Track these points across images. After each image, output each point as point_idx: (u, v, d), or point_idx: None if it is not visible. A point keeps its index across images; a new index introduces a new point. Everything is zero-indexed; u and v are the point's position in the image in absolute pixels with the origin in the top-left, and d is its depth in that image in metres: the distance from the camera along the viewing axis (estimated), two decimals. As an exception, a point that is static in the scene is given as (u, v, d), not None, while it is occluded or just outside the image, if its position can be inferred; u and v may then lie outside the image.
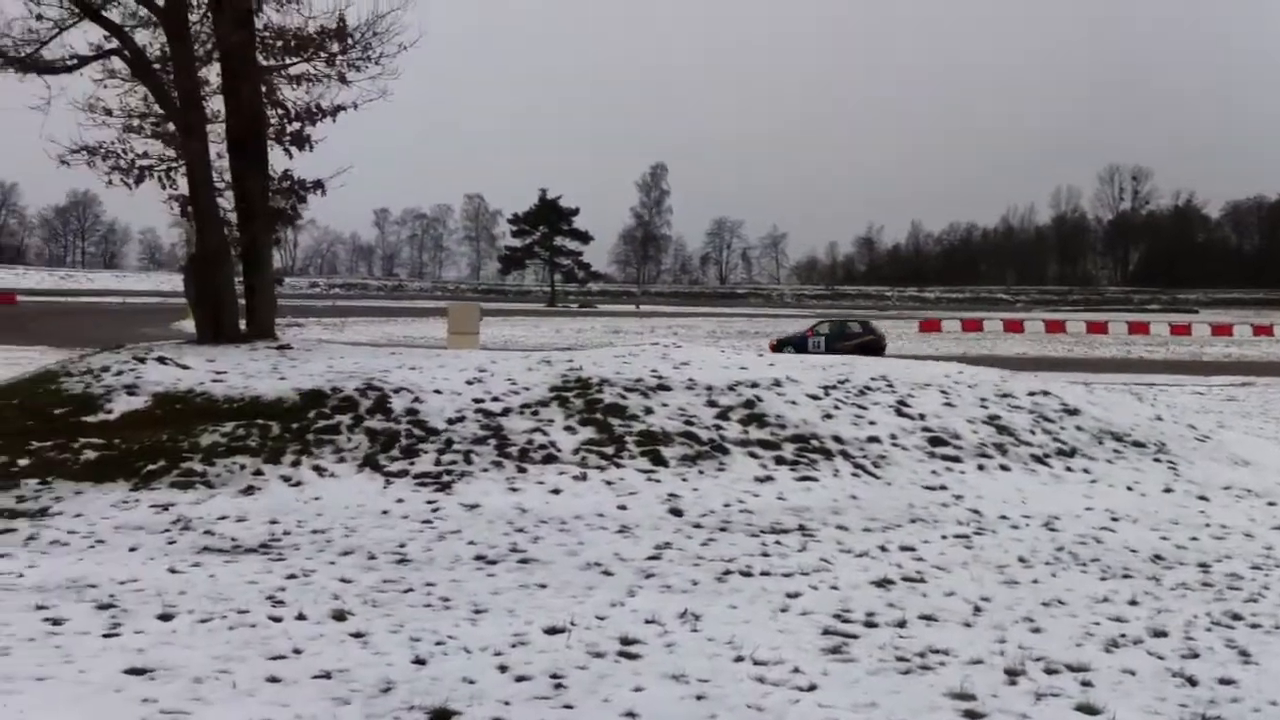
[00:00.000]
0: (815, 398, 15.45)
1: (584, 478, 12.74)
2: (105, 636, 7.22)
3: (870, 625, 7.93)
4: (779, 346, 39.47)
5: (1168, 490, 13.45)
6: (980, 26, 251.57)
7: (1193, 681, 6.87)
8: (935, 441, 14.46)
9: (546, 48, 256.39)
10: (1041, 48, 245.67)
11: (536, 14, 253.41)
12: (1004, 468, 13.89)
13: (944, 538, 10.83)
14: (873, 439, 14.35)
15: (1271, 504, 13.00)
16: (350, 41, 19.60)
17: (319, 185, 20.30)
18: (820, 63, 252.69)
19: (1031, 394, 16.63)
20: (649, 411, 14.64)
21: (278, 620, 7.65)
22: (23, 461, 12.76)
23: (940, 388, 16.35)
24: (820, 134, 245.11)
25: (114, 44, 18.96)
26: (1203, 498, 13.16)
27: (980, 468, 13.81)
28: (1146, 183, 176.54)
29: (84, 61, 18.91)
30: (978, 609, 8.40)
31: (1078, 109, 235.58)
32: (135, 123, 19.70)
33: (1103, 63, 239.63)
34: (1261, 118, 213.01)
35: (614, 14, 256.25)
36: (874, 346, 38.07)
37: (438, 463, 13.04)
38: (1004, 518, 11.83)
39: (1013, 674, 6.93)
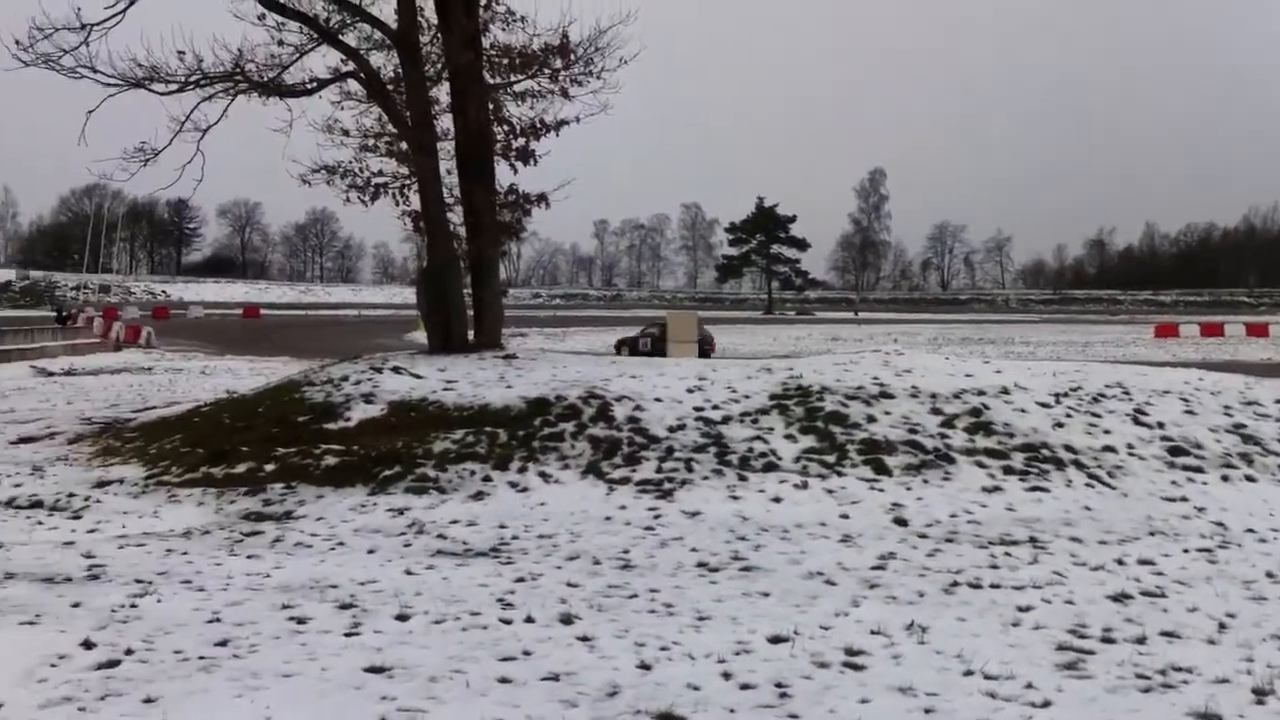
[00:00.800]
0: (1045, 405, 14.96)
1: (805, 486, 12.67)
2: (346, 635, 7.54)
3: (1107, 641, 7.62)
4: (618, 347, 40.66)
5: None
6: (1217, 15, 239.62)
7: None
8: (1175, 451, 13.80)
9: (759, 53, 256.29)
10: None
11: (749, 21, 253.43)
12: (1250, 479, 13.16)
13: (1185, 551, 10.32)
14: (1107, 448, 13.80)
15: None
16: (573, 57, 20.07)
17: (543, 198, 20.81)
18: (1045, 55, 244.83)
19: (1279, 401, 15.72)
20: (871, 419, 14.45)
21: (508, 622, 7.86)
22: (269, 467, 13.48)
23: (1180, 395, 15.62)
24: (1047, 132, 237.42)
25: (350, 67, 19.89)
26: None
27: (1224, 478, 13.12)
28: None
29: (323, 84, 19.90)
30: (1222, 626, 7.98)
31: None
32: (370, 142, 20.65)
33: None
34: None
35: (830, 15, 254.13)
36: (700, 349, 37.97)
37: (659, 470, 13.17)
38: (1250, 531, 11.20)
39: (1261, 694, 6.56)
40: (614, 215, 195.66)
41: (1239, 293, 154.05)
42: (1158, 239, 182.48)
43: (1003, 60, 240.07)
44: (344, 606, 8.25)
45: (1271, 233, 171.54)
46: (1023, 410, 14.76)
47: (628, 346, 41.07)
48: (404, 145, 19.99)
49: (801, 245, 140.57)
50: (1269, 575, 9.51)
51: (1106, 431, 14.24)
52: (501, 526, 11.23)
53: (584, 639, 7.51)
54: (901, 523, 11.44)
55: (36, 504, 12.65)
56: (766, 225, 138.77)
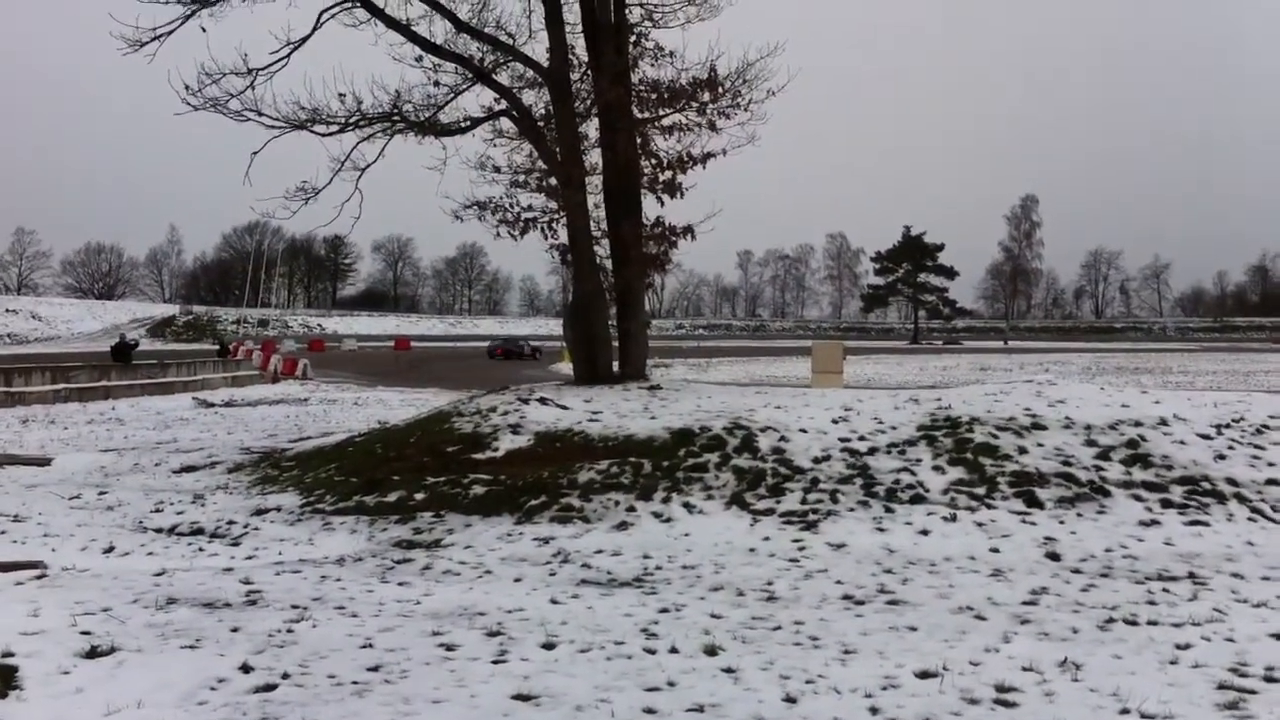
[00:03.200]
0: (1206, 437, 14.47)
1: (953, 519, 12.45)
2: (494, 663, 7.65)
3: (1271, 681, 7.30)
4: (490, 354, 41.48)
5: None
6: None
7: None
8: (1347, 485, 13.22)
9: (905, 80, 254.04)
10: None
11: (893, 48, 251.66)
12: None
13: (1358, 590, 9.87)
14: (1272, 481, 13.27)
15: None
16: (721, 90, 20.14)
17: (689, 230, 20.90)
18: (1205, 76, 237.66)
19: None
20: (1022, 451, 14.15)
21: (652, 652, 7.88)
22: (419, 496, 13.79)
23: (1353, 426, 14.96)
24: (1207, 154, 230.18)
25: (503, 105, 20.35)
26: None
27: (1401, 514, 12.52)
28: None
29: (476, 123, 20.39)
30: (1397, 668, 7.60)
31: None
32: (521, 178, 21.04)
33: None
34: None
35: (972, 47, 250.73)
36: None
37: (803, 501, 13.09)
38: None
39: None
40: (758, 245, 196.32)
41: None
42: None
43: (1152, 89, 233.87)
44: (491, 634, 8.38)
45: None
46: (1182, 442, 14.29)
47: (489, 354, 41.63)
48: (553, 180, 20.30)
49: (949, 274, 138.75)
50: None
51: (1271, 464, 13.71)
52: (645, 556, 11.28)
53: (728, 670, 7.48)
54: (1054, 557, 11.15)
55: (198, 531, 13.16)
56: (913, 254, 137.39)
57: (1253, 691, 7.09)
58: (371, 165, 20.00)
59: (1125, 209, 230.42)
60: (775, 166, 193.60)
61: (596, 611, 9.12)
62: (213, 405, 33.29)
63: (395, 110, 19.63)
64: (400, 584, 10.22)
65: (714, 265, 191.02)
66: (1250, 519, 12.37)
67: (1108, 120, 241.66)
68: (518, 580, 10.41)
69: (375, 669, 7.45)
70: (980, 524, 12.28)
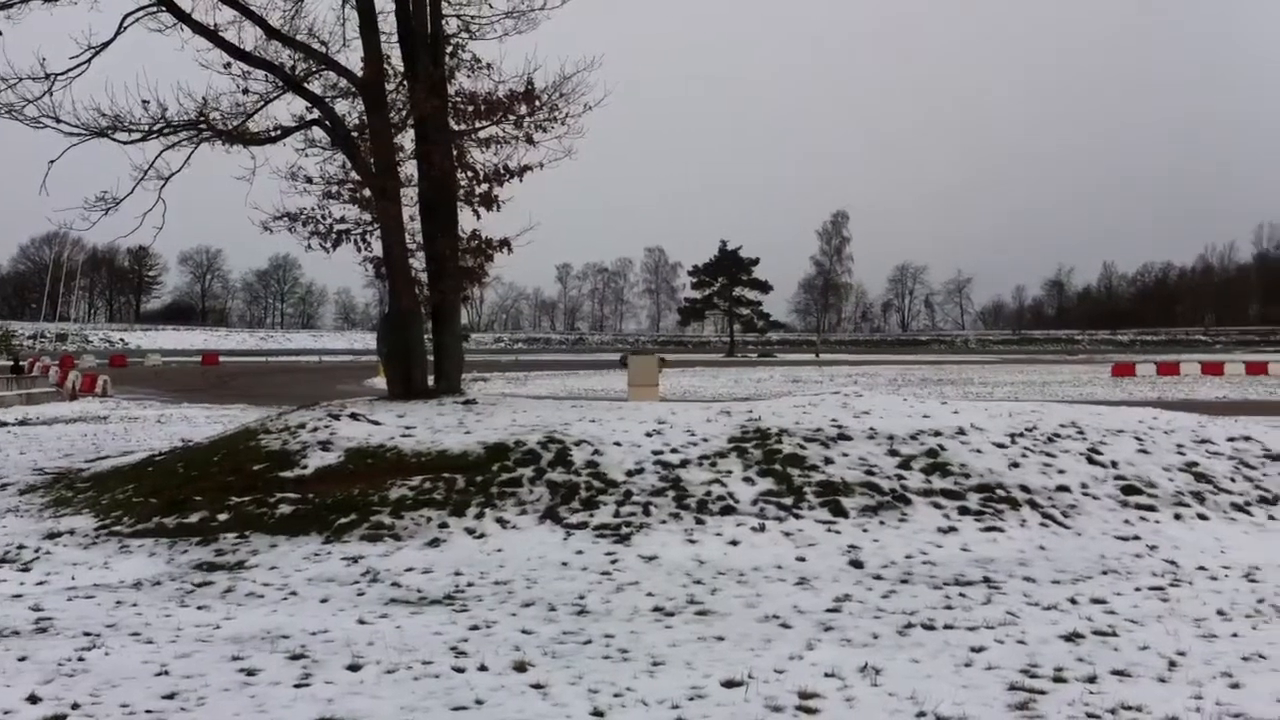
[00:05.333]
0: (1001, 446, 15.08)
1: (762, 529, 12.69)
2: (296, 687, 7.47)
3: (1059, 680, 7.65)
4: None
5: (1383, 540, 12.67)
6: (1173, 63, 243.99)
7: None
8: (1128, 490, 13.94)
9: (725, 98, 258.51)
10: (1240, 82, 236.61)
11: (716, 65, 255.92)
12: (1202, 517, 13.31)
13: (1137, 590, 10.40)
14: (1062, 488, 13.92)
15: None
16: (538, 104, 20.12)
17: (506, 244, 20.80)
18: (1006, 108, 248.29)
19: (1232, 439, 15.92)
20: (829, 461, 14.51)
21: (461, 671, 7.81)
22: (222, 516, 13.39)
23: (1134, 434, 15.79)
24: (1007, 176, 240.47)
25: (315, 115, 19.94)
26: None
27: (1177, 517, 13.26)
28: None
29: (287, 132, 19.92)
30: (1173, 664, 8.02)
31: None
32: (334, 189, 20.62)
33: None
34: None
35: (793, 63, 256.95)
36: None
37: (617, 514, 13.17)
38: (1202, 569, 11.30)
39: (1211, 733, 6.62)
40: (577, 259, 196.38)
41: (1195, 331, 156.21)
42: (1115, 279, 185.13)
43: (963, 106, 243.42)
44: (295, 657, 8.18)
45: (1229, 272, 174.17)
46: (979, 451, 14.86)
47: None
48: (367, 192, 19.97)
49: (764, 287, 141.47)
50: (1220, 613, 9.58)
51: (1061, 471, 14.37)
52: (457, 573, 11.18)
53: (537, 687, 7.47)
54: (857, 565, 11.47)
55: (-14, 556, 12.50)
56: (729, 268, 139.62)
57: (1042, 692, 7.40)
58: (176, 174, 19.39)
59: (931, 225, 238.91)
60: (594, 180, 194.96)
61: (405, 631, 8.99)
62: (5, 424, 31.70)
63: (202, 118, 19.05)
64: (200, 608, 9.91)
65: (533, 279, 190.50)
66: (1042, 524, 12.94)
67: (914, 139, 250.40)
68: (324, 601, 10.20)
69: (171, 696, 7.21)
70: (788, 534, 12.54)
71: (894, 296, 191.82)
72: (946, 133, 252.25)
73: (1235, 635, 8.87)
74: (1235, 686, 7.49)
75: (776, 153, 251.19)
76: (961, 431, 15.50)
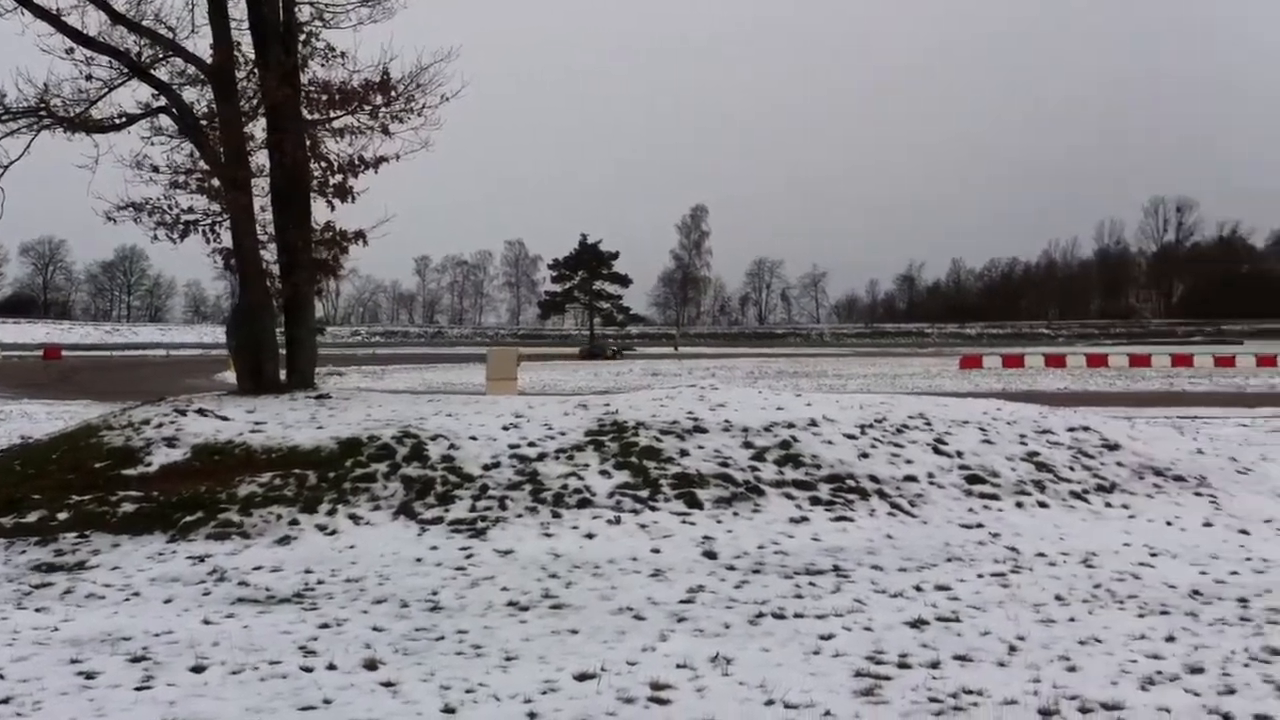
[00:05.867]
0: (851, 437, 15.38)
1: (618, 521, 12.74)
2: (138, 690, 7.27)
3: (904, 666, 7.85)
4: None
5: (1207, 524, 13.25)
6: (1018, 64, 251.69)
7: (1228, 718, 6.75)
8: (973, 479, 14.35)
9: (585, 91, 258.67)
10: (1082, 83, 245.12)
11: (575, 58, 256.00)
12: (1042, 505, 13.77)
13: (980, 576, 10.72)
14: (909, 478, 14.26)
15: (1316, 537, 12.78)
16: (394, 94, 19.83)
17: (361, 236, 20.46)
18: (860, 104, 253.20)
19: (1071, 429, 16.49)
20: (684, 454, 14.63)
21: (309, 670, 7.68)
22: (62, 515, 12.93)
23: (978, 425, 16.24)
24: (861, 172, 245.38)
25: (162, 102, 19.35)
26: (1243, 531, 12.93)
27: (1018, 505, 13.70)
28: (1191, 214, 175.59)
29: (132, 120, 19.30)
30: (1013, 648, 8.30)
31: (1122, 141, 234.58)
32: (181, 178, 20.02)
33: (1144, 96, 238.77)
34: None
35: (656, 58, 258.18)
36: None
37: (473, 509, 13.08)
38: (1041, 555, 11.69)
39: (1047, 714, 6.85)
40: (436, 252, 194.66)
41: (1039, 325, 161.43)
42: (964, 274, 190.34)
43: (817, 101, 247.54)
44: (136, 659, 7.96)
45: (1071, 268, 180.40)
46: (830, 442, 15.14)
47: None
48: (216, 181, 19.44)
49: (624, 281, 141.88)
50: (1058, 598, 9.92)
51: (909, 461, 14.72)
52: (307, 571, 10.97)
53: (388, 685, 7.39)
54: (711, 556, 11.59)
55: None
56: (589, 262, 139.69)
57: (888, 678, 7.58)
58: (15, 162, 18.63)
59: (788, 220, 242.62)
60: (453, 172, 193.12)
61: (252, 630, 8.81)
62: None
63: (42, 104, 18.33)
64: (38, 610, 9.56)
65: (391, 271, 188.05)
66: (890, 513, 13.24)
67: (770, 133, 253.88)
68: (168, 601, 9.92)
69: (6, 701, 6.98)
70: (643, 526, 12.61)
71: (752, 290, 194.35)
72: (802, 128, 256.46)
73: (1072, 620, 9.19)
74: (1072, 670, 7.77)
75: (636, 146, 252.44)
76: (814, 423, 15.76)
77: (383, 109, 20.01)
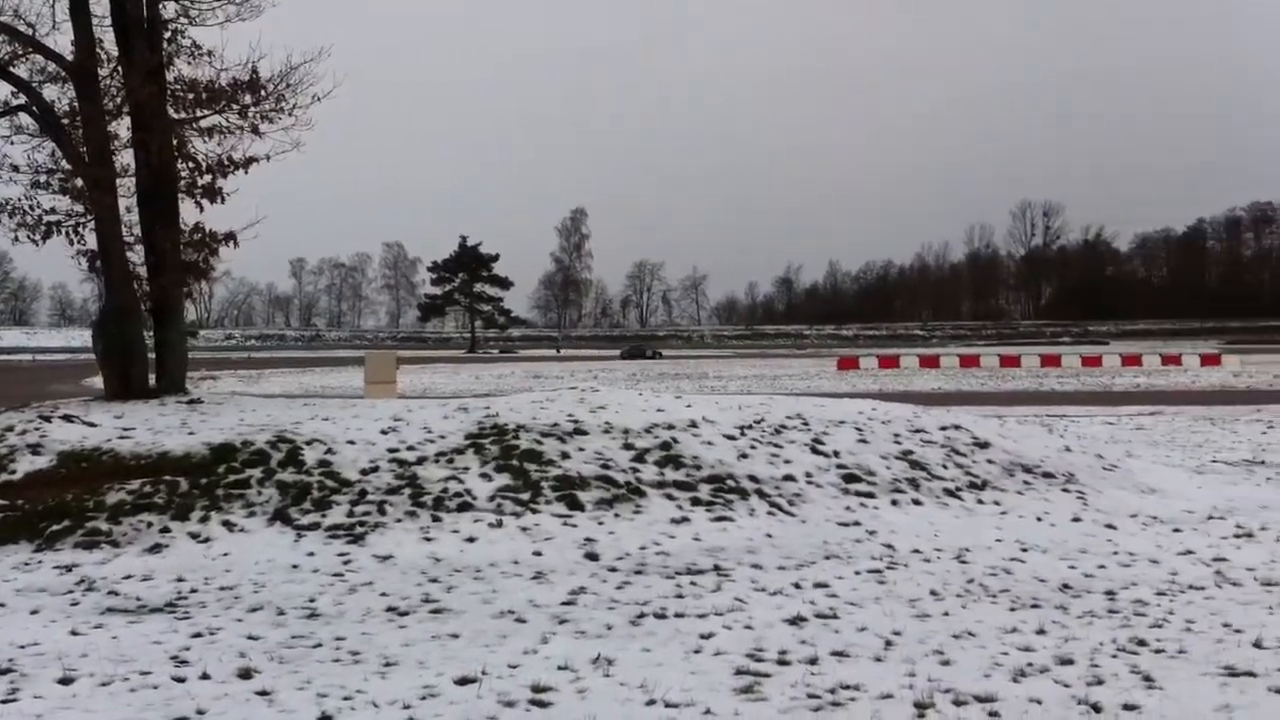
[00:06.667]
0: (731, 438, 15.50)
1: (499, 525, 12.67)
2: (2, 703, 7.02)
3: (783, 663, 7.93)
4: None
5: (1076, 519, 13.65)
6: (890, 72, 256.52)
7: (1097, 708, 6.94)
8: (850, 478, 14.57)
9: (465, 93, 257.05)
10: (960, 90, 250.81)
11: (456, 60, 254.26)
12: (917, 502, 14.04)
13: (857, 573, 10.89)
14: (788, 477, 14.42)
15: (1177, 530, 13.22)
16: (263, 93, 19.45)
17: (231, 237, 20.04)
18: (736, 108, 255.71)
19: (944, 428, 16.84)
20: (565, 456, 14.60)
21: (181, 680, 7.49)
22: (-81, 527, 12.43)
23: (855, 425, 16.49)
24: (739, 176, 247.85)
25: (21, 100, 18.77)
26: (1110, 526, 13.36)
27: (894, 503, 13.94)
28: (1057, 218, 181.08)
29: (-11, 119, 18.67)
30: (889, 643, 8.44)
31: (991, 147, 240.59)
32: (43, 178, 19.46)
33: (1014, 101, 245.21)
34: (1167, 152, 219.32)
35: (538, 62, 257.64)
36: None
37: (350, 514, 12.90)
38: (916, 551, 11.93)
39: (922, 707, 6.96)
40: (313, 254, 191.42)
41: (913, 326, 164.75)
42: (840, 277, 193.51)
43: (698, 106, 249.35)
44: (1, 672, 7.68)
45: (943, 270, 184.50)
46: (710, 443, 15.24)
47: None
48: (80, 182, 18.89)
49: (504, 284, 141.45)
50: (932, 593, 10.12)
51: (787, 461, 14.89)
52: (179, 580, 10.70)
53: (263, 693, 7.24)
54: (593, 557, 11.60)
55: None
56: (469, 264, 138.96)
57: (767, 675, 7.65)
58: None
59: (668, 223, 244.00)
60: (330, 173, 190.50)
61: (122, 641, 8.56)
62: None
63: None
64: (-107, 626, 9.18)
65: (266, 273, 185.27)
66: (770, 513, 13.37)
67: (650, 136, 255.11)
68: (35, 612, 9.59)
69: None
70: (525, 528, 12.56)
71: (633, 293, 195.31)
72: (683, 133, 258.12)
73: (946, 614, 9.38)
74: (946, 663, 7.92)
75: (517, 149, 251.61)
76: (694, 424, 15.85)
77: (252, 108, 19.63)
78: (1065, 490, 14.99)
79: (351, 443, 14.82)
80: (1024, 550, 12.04)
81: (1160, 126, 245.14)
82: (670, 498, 13.64)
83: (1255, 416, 30.37)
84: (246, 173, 19.85)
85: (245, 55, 19.43)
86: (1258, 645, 8.38)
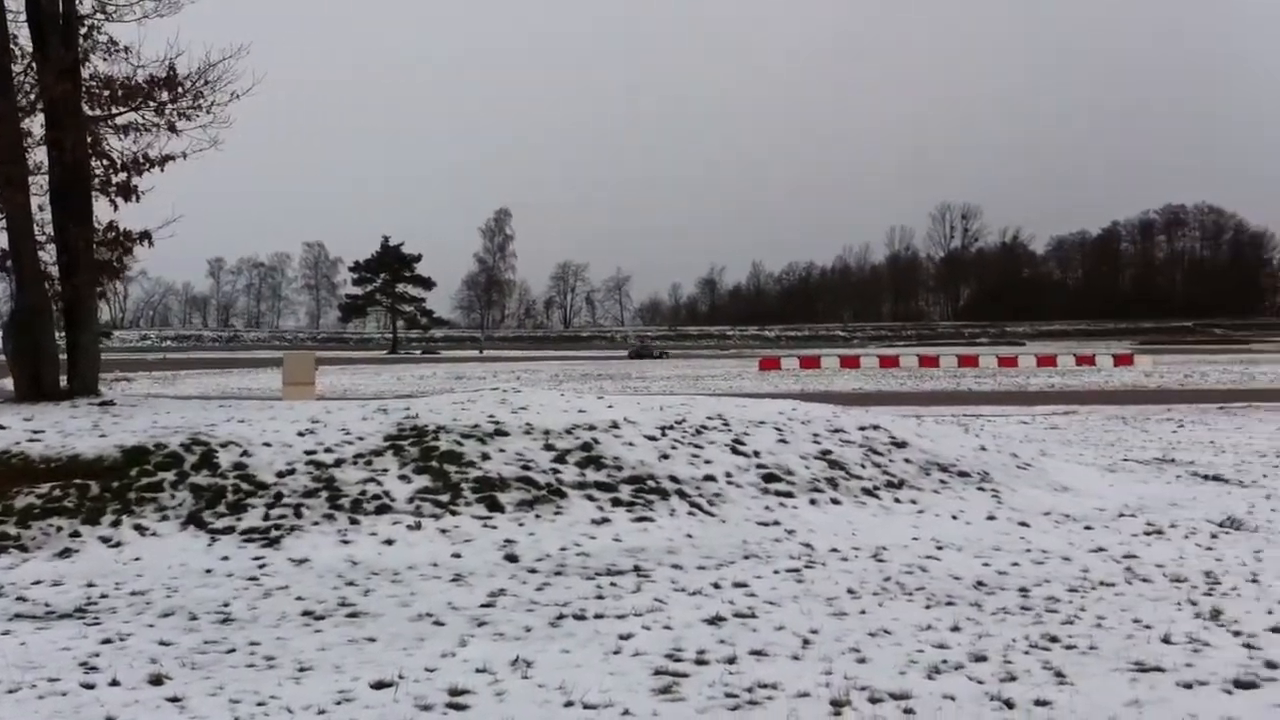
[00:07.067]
0: (652, 439, 15.53)
1: (418, 527, 12.58)
2: (-98, 713, 6.86)
3: (701, 663, 7.96)
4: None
5: (991, 518, 13.86)
6: (807, 75, 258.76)
7: (1010, 704, 7.05)
8: (769, 478, 14.66)
9: (388, 93, 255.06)
10: (876, 95, 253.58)
11: (379, 60, 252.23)
12: (835, 501, 14.16)
13: (776, 573, 10.96)
14: (709, 478, 14.48)
15: (1089, 528, 13.46)
16: (180, 90, 19.16)
17: (146, 236, 19.71)
18: (661, 108, 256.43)
19: (862, 428, 17.00)
20: (486, 457, 14.53)
21: (90, 687, 7.34)
22: None
23: (775, 425, 16.59)
24: (664, 178, 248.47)
25: (-68, 96, 18.27)
26: (1024, 524, 13.58)
27: (813, 502, 14.05)
28: (976, 220, 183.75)
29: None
30: (806, 642, 8.51)
31: (912, 151, 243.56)
32: (-49, 177, 18.95)
33: (933, 104, 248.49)
34: (1082, 156, 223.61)
35: (462, 64, 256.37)
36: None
37: (266, 517, 12.73)
38: (834, 550, 12.03)
39: (838, 705, 7.03)
40: (231, 253, 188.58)
41: (835, 327, 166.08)
42: (763, 278, 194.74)
43: (620, 109, 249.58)
44: (-98, 682, 7.49)
45: (864, 272, 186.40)
46: (631, 444, 15.25)
47: None
48: (-9, 179, 18.45)
49: (427, 284, 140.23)
50: (850, 592, 10.22)
51: (708, 462, 14.94)
52: (90, 585, 10.49)
53: (174, 700, 7.12)
54: (513, 559, 11.55)
55: None
56: (391, 264, 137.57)
57: (685, 675, 7.68)
58: None
59: (592, 225, 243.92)
60: (249, 172, 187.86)
61: (30, 647, 8.37)
62: None
63: None
64: None
65: (183, 273, 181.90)
66: (690, 513, 13.41)
67: (571, 137, 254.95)
68: (-62, 621, 9.37)
69: None
70: (444, 530, 12.49)
71: (556, 294, 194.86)
72: (605, 135, 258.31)
73: (863, 612, 9.48)
74: (862, 661, 8.01)
75: (441, 149, 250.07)
76: (615, 425, 15.86)
77: (169, 106, 19.32)
78: (980, 489, 15.21)
79: (268, 445, 14.62)
80: (940, 548, 12.20)
81: (1080, 129, 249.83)
82: (591, 498, 13.63)
83: (1166, 416, 31.06)
84: (163, 170, 19.55)
85: (163, 52, 19.13)
86: (1166, 641, 8.57)
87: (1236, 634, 8.77)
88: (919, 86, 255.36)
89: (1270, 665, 7.90)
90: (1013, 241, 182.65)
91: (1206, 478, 17.82)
